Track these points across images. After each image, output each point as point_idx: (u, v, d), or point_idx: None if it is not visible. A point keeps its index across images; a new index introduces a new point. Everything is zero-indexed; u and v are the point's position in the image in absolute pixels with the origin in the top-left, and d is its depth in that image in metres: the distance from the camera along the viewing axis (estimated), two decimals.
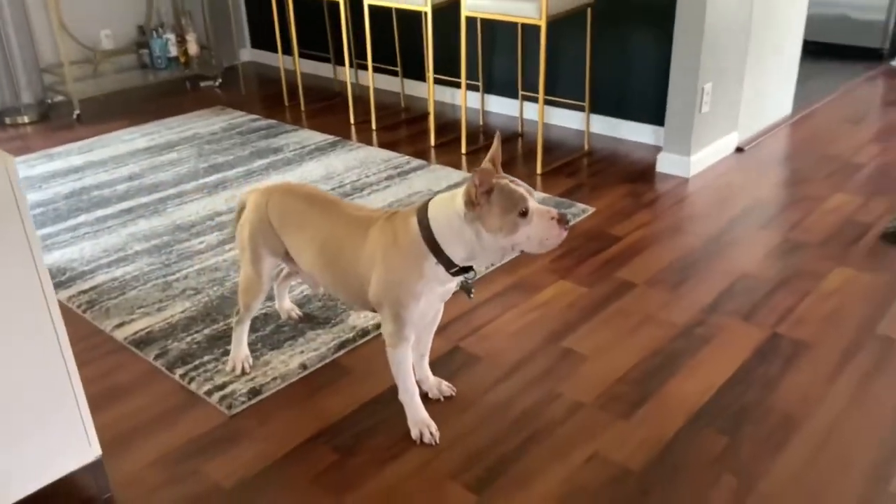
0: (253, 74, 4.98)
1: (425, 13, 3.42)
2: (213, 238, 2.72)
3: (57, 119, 4.21)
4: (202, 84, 4.74)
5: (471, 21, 3.67)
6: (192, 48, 4.71)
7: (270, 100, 4.40)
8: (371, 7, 3.58)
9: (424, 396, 1.82)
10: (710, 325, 2.14)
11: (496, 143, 1.53)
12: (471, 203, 1.46)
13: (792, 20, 3.60)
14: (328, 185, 3.15)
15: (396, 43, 4.17)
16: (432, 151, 3.54)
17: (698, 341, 2.07)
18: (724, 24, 3.02)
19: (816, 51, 4.71)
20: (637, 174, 3.20)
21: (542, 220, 1.46)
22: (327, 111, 4.17)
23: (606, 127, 3.62)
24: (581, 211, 2.85)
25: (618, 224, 2.76)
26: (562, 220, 1.47)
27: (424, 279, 1.56)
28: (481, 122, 3.88)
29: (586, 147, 3.49)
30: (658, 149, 3.30)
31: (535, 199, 1.48)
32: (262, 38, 5.13)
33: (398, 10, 3.99)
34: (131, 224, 2.85)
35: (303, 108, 4.20)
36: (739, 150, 3.41)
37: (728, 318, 2.17)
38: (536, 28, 3.10)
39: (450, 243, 1.51)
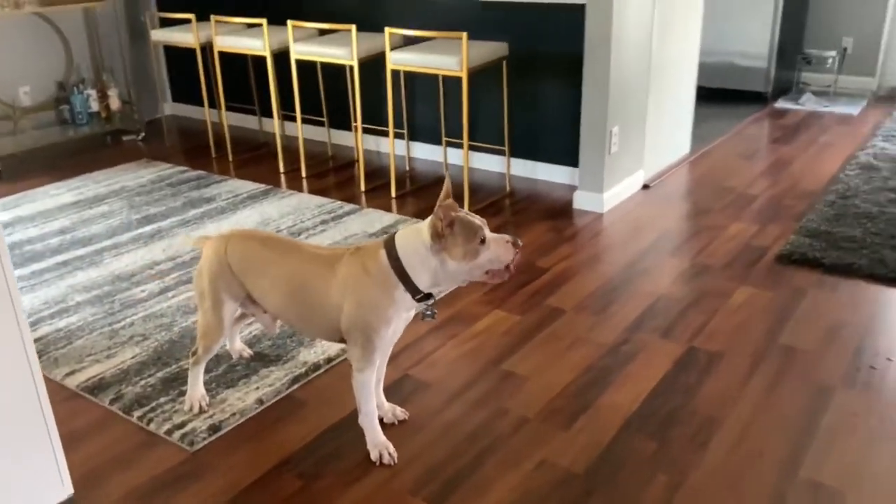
0: (175, 128, 5.03)
1: (351, 66, 3.60)
2: (153, 286, 2.77)
3: None
4: (125, 138, 4.76)
5: (395, 73, 3.88)
6: (115, 103, 4.74)
7: (196, 152, 4.46)
8: (298, 61, 3.73)
9: (380, 421, 1.94)
10: (633, 343, 2.35)
11: (447, 183, 1.70)
12: (437, 235, 1.63)
13: (685, 68, 3.97)
14: (265, 229, 3.24)
15: (322, 94, 4.33)
16: (363, 196, 3.69)
17: (624, 357, 2.28)
18: (626, 74, 3.33)
19: (710, 95, 5.15)
20: (556, 211, 3.44)
21: (499, 244, 1.65)
22: (255, 161, 4.27)
23: (526, 169, 3.86)
24: None
25: (543, 257, 2.97)
26: (515, 244, 1.67)
27: (395, 305, 1.71)
28: (408, 168, 4.06)
29: (508, 188, 3.72)
30: (574, 188, 3.56)
31: (488, 229, 1.67)
32: (183, 92, 5.20)
33: (324, 64, 4.16)
34: (69, 276, 2.86)
35: (230, 158, 4.29)
36: (646, 186, 3.71)
37: (649, 336, 2.39)
38: (458, 79, 3.32)
39: (417, 272, 1.68)
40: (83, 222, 3.40)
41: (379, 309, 1.71)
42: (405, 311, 1.75)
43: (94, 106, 4.71)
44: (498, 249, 1.65)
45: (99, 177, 4.02)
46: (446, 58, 3.23)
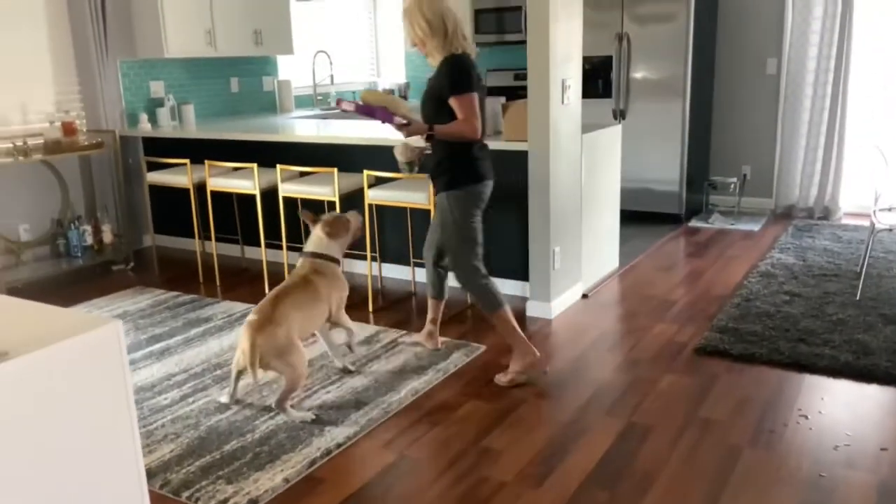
0: (159, 257, 5.51)
1: (333, 202, 4.23)
2: (175, 394, 3.21)
3: None
4: (114, 268, 5.22)
5: (370, 206, 4.52)
6: (107, 237, 5.23)
7: (184, 278, 4.95)
8: (285, 198, 4.35)
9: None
10: (585, 420, 2.91)
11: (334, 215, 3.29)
12: (328, 233, 3.23)
13: (610, 196, 4.75)
14: None
15: (301, 226, 4.93)
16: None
17: (579, 431, 2.83)
18: (563, 203, 4.05)
19: (634, 217, 5.96)
20: None
21: (355, 218, 3.27)
22: (241, 285, 4.79)
23: None
24: (475, 349, 3.61)
25: (505, 356, 3.53)
26: (359, 213, 3.39)
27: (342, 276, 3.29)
28: (380, 286, 4.64)
29: (469, 300, 4.32)
30: (526, 298, 4.18)
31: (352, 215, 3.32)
32: (165, 225, 5.73)
33: (307, 200, 4.77)
34: None
35: (218, 283, 4.79)
36: (585, 296, 4.37)
37: (596, 414, 2.95)
38: (424, 210, 3.97)
39: (335, 254, 3.22)
40: None
41: (341, 281, 3.33)
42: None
43: (89, 240, 5.19)
44: (354, 220, 3.32)
45: (101, 303, 4.46)
46: (415, 194, 3.90)
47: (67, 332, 1.88)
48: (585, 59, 6.20)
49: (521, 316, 4.06)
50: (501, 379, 3.24)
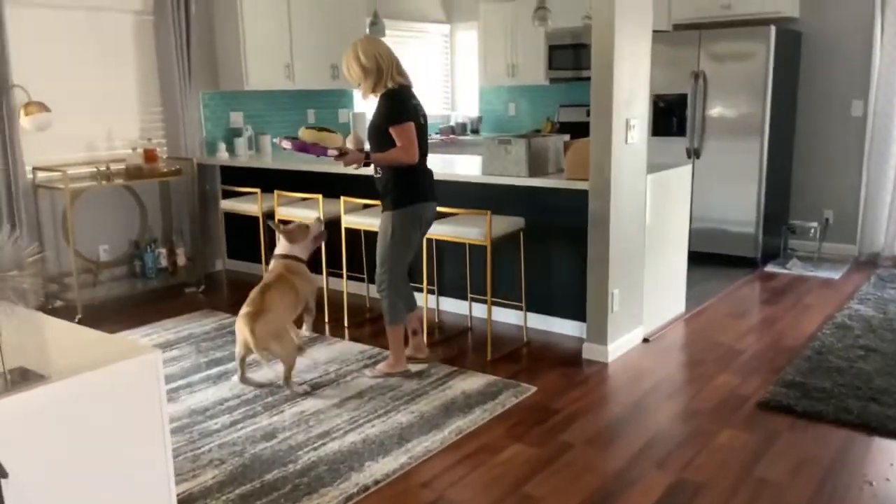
0: (229, 280, 5.68)
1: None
2: (225, 419, 3.28)
3: None
4: (186, 290, 5.40)
5: (429, 240, 4.54)
6: (181, 260, 5.43)
7: None
8: (347, 229, 4.42)
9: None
10: (633, 471, 2.80)
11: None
12: (289, 238, 3.82)
13: (678, 236, 4.61)
14: (313, 374, 3.77)
15: (364, 255, 5.00)
16: None
17: (625, 484, 2.72)
18: (624, 244, 3.95)
19: (706, 259, 5.78)
20: (568, 360, 3.95)
21: (315, 225, 3.86)
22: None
23: (541, 322, 4.41)
24: (526, 389, 3.54)
25: (556, 399, 3.46)
26: (319, 220, 3.98)
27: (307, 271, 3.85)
28: (437, 320, 4.63)
29: (525, 339, 4.26)
30: (583, 339, 4.09)
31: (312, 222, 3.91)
32: (237, 250, 5.90)
33: (368, 231, 4.84)
34: None
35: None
36: (646, 340, 4.24)
37: (646, 465, 2.84)
38: (482, 247, 3.96)
39: (299, 255, 3.82)
40: (167, 362, 3.94)
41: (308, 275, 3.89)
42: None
43: (163, 262, 5.40)
44: (315, 227, 3.88)
45: (168, 325, 4.61)
46: (473, 230, 3.89)
47: (108, 359, 1.94)
48: (659, 97, 6.15)
49: (576, 357, 3.97)
50: (368, 373, 3.75)
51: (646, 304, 4.25)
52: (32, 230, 4.81)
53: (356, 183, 4.90)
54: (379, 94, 3.51)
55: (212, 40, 5.79)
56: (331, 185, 4.97)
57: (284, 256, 3.84)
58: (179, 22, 5.42)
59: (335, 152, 3.48)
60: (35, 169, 4.81)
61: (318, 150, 3.50)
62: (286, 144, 3.56)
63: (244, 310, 3.52)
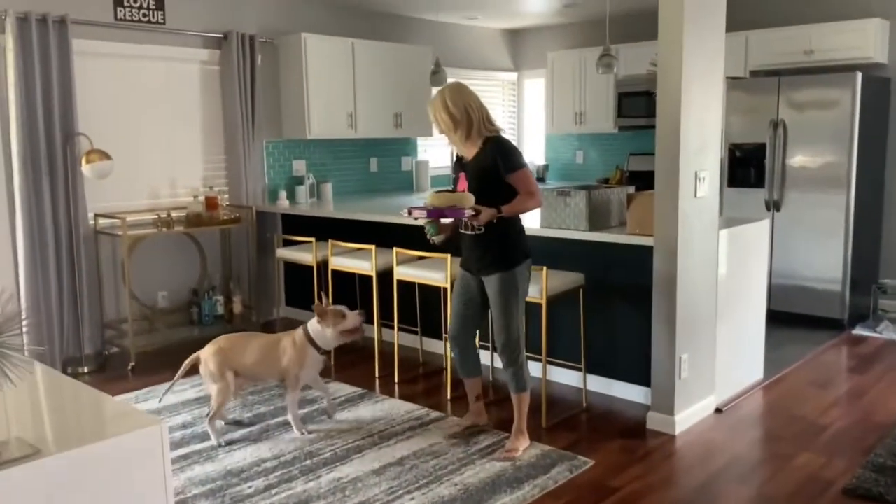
0: (285, 328, 5.58)
1: (445, 288, 4.09)
2: (259, 483, 3.11)
3: (112, 370, 4.74)
4: None
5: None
6: (237, 307, 5.39)
7: None
8: (399, 281, 4.27)
9: None
10: None
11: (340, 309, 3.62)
12: (319, 318, 3.58)
13: (755, 296, 4.26)
14: (358, 434, 3.59)
15: (417, 307, 4.83)
16: (448, 404, 4.02)
17: None
18: (693, 305, 3.65)
19: (787, 320, 5.36)
20: (630, 430, 3.64)
21: (354, 317, 3.56)
22: (354, 364, 4.72)
23: (602, 385, 4.12)
24: (582, 463, 3.26)
25: (615, 476, 3.16)
26: (360, 314, 3.61)
27: (309, 357, 3.59)
28: (491, 378, 4.40)
29: (584, 404, 3.98)
30: (647, 406, 3.77)
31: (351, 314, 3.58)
32: (296, 298, 5.83)
33: (421, 284, 4.68)
34: (188, 469, 3.25)
35: (332, 361, 4.75)
36: (719, 410, 3.88)
37: None
38: (538, 304, 3.72)
39: (317, 337, 3.57)
40: (202, 418, 3.84)
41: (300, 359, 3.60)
42: (314, 360, 3.62)
43: (220, 309, 5.36)
44: (351, 318, 3.55)
45: None
46: (530, 286, 3.65)
47: (108, 431, 1.81)
48: (736, 146, 5.83)
49: (640, 427, 3.66)
50: (498, 455, 3.35)
51: (718, 370, 3.91)
52: (92, 275, 4.85)
53: (409, 234, 4.76)
54: (477, 143, 3.29)
55: (276, 90, 5.83)
56: (385, 236, 4.84)
57: (304, 329, 3.64)
58: (245, 72, 5.47)
59: (471, 212, 3.15)
60: (97, 215, 4.87)
61: (455, 212, 3.16)
62: (419, 214, 3.22)
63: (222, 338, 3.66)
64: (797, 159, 5.41)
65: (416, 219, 3.27)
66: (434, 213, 3.19)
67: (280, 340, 3.64)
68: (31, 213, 4.53)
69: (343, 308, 3.62)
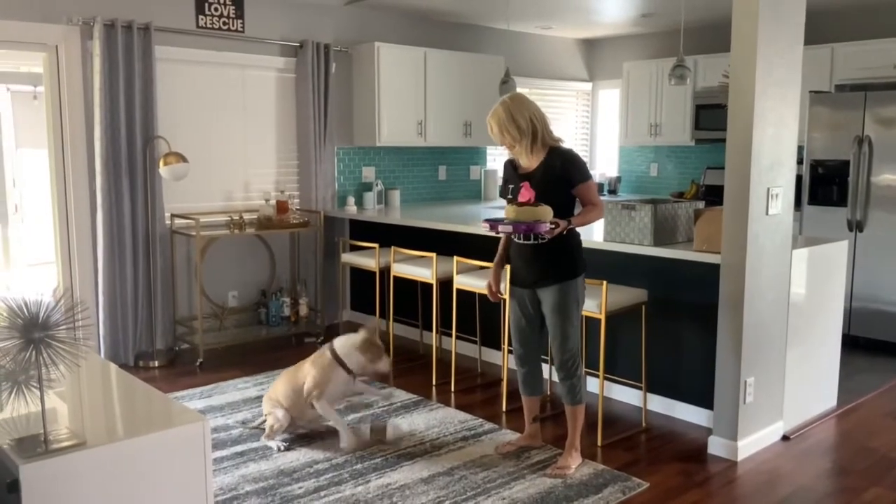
0: (349, 332, 5.65)
1: (505, 299, 4.05)
2: (310, 484, 3.15)
3: (181, 365, 4.90)
4: (306, 340, 5.43)
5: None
6: (303, 310, 5.49)
7: None
8: (458, 289, 4.26)
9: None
10: None
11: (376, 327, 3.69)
12: (364, 346, 3.56)
13: (830, 320, 4.06)
14: (410, 440, 3.59)
15: (477, 317, 4.81)
16: (503, 416, 3.98)
17: None
18: (762, 327, 3.51)
19: (867, 346, 5.09)
20: (689, 453, 3.52)
21: (385, 363, 3.61)
22: (412, 371, 4.73)
23: (662, 405, 4.01)
24: (636, 485, 3.17)
25: (669, 501, 3.05)
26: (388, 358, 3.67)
27: (335, 374, 3.56)
28: (549, 392, 4.33)
29: (644, 424, 3.87)
30: (709, 430, 3.64)
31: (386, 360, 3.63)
32: (359, 303, 5.90)
33: (481, 294, 4.66)
34: (243, 466, 3.32)
35: (391, 367, 4.78)
36: (786, 437, 3.71)
37: None
38: (597, 319, 3.65)
39: (347, 359, 3.53)
40: (261, 415, 3.92)
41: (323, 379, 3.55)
42: (342, 382, 3.57)
43: (286, 311, 5.48)
44: (382, 364, 3.59)
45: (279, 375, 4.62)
46: (589, 301, 3.59)
47: (154, 425, 1.86)
48: (818, 163, 5.58)
49: (700, 451, 3.54)
50: (559, 472, 3.29)
51: (788, 395, 3.74)
52: (166, 274, 5.03)
53: (472, 244, 4.76)
54: (540, 154, 3.25)
55: (349, 98, 5.93)
56: (449, 244, 4.85)
57: (331, 348, 3.59)
58: (319, 80, 5.59)
59: (553, 225, 3.09)
60: (173, 216, 5.05)
61: (539, 226, 3.07)
62: (503, 229, 3.13)
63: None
64: (883, 178, 5.14)
65: (498, 233, 3.23)
66: (521, 228, 3.10)
67: (300, 365, 3.67)
68: (111, 212, 4.74)
69: (380, 344, 3.61)
